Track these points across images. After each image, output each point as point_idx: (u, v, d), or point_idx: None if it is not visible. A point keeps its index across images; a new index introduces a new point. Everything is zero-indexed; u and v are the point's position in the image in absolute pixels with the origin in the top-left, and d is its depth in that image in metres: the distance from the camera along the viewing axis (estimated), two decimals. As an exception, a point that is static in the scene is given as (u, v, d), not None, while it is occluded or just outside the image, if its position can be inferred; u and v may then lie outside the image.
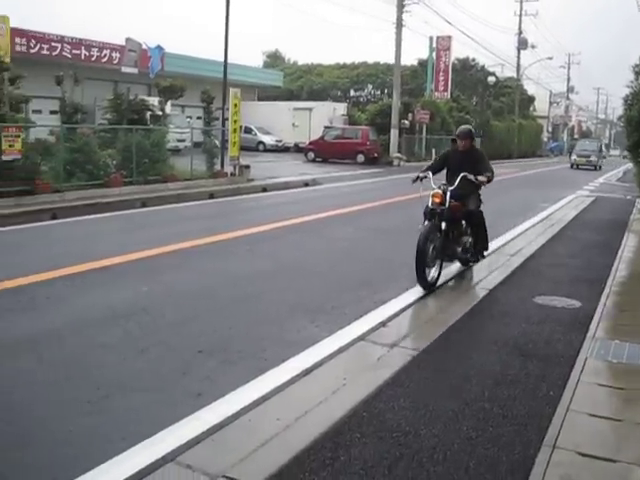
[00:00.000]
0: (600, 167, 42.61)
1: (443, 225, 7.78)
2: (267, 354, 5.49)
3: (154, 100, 20.87)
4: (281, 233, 11.71)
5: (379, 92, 56.32)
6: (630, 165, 30.45)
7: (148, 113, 19.22)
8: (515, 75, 58.76)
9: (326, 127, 37.15)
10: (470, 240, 8.66)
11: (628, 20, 53.29)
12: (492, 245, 10.56)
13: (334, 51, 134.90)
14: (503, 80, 57.47)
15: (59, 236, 11.10)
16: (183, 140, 26.42)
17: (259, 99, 48.24)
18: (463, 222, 8.43)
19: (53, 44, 29.43)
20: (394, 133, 35.76)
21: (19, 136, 13.75)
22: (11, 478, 3.59)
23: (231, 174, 20.60)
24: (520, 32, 57.64)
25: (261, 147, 39.77)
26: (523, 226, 13.29)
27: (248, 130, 37.77)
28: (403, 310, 6.87)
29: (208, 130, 21.48)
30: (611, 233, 12.72)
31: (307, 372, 5.02)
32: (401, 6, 35.90)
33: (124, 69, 22.03)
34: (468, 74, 53.78)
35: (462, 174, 7.96)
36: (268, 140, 40.92)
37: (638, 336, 5.94)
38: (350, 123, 40.30)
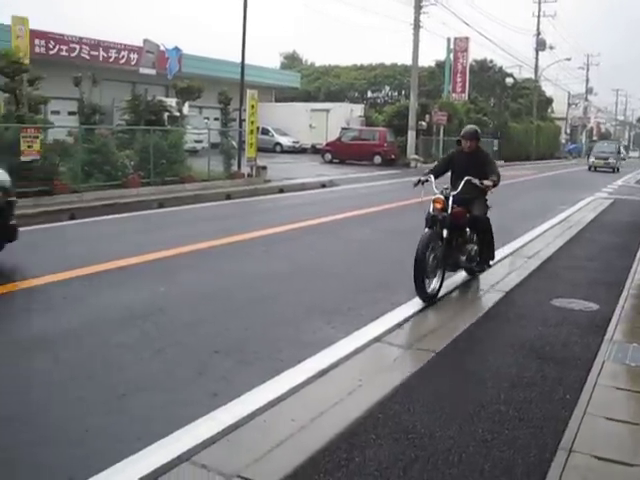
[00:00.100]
0: (618, 169, 42.12)
1: (445, 233, 7.26)
2: (283, 355, 5.50)
3: (172, 101, 21.02)
4: (298, 234, 11.73)
5: (396, 93, 56.38)
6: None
7: (166, 114, 19.38)
8: (533, 76, 58.30)
9: (343, 128, 37.20)
10: (475, 248, 8.05)
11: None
12: (510, 247, 10.55)
13: (351, 52, 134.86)
14: (521, 81, 57.26)
15: (77, 236, 11.18)
16: (200, 141, 26.49)
17: (276, 100, 48.37)
18: (467, 229, 7.88)
19: (72, 45, 29.72)
20: (411, 135, 35.62)
21: (38, 137, 13.88)
22: (27, 477, 3.62)
23: (248, 175, 20.66)
24: (538, 33, 57.13)
25: (278, 148, 39.80)
26: (541, 228, 13.21)
27: (265, 131, 37.81)
28: (419, 312, 6.86)
29: (225, 131, 21.60)
30: (630, 235, 12.62)
31: (323, 373, 5.01)
32: (419, 7, 35.79)
33: (142, 70, 22.12)
34: (486, 75, 53.61)
35: (466, 178, 7.47)
36: (285, 141, 40.98)
37: (657, 339, 5.88)
38: (367, 124, 40.26)
